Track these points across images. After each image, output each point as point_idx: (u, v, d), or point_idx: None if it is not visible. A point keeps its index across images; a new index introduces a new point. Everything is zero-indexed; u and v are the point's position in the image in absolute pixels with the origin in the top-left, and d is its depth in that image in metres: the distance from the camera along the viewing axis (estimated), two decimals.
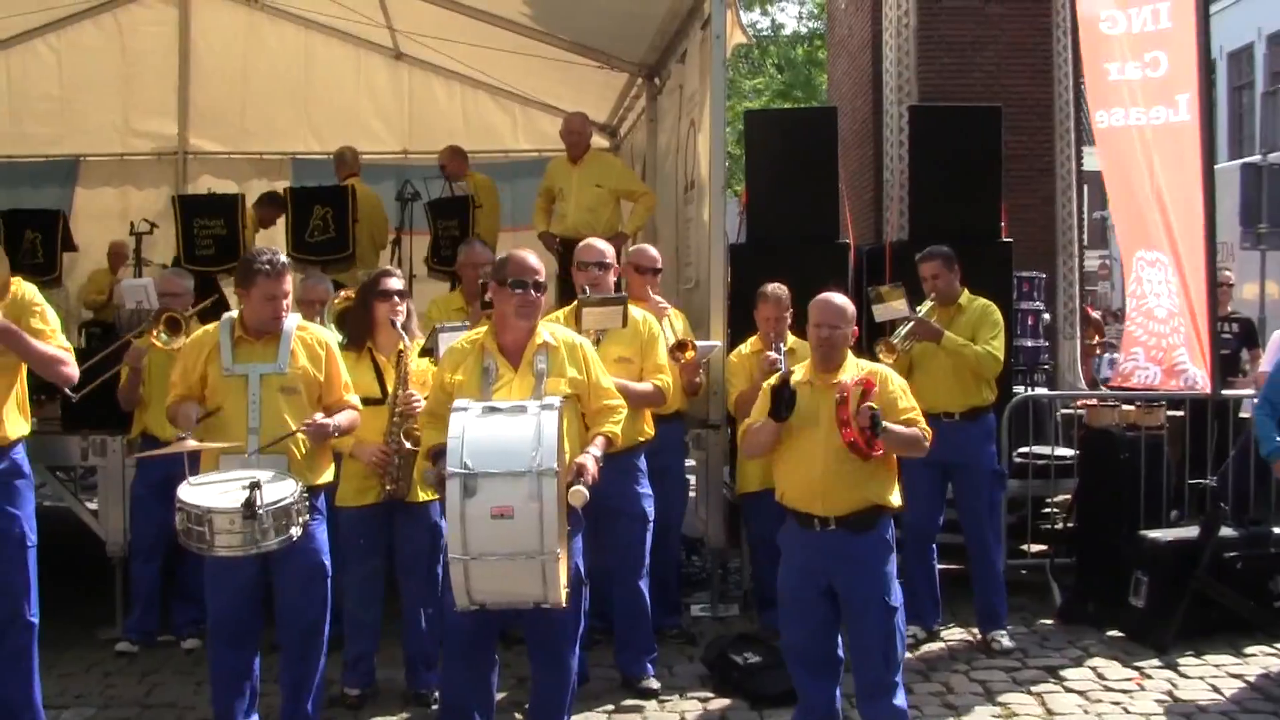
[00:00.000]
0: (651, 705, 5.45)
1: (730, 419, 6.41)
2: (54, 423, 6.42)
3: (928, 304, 6.30)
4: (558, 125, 8.73)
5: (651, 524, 5.55)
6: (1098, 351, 11.68)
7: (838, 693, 4.70)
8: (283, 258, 4.73)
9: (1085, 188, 12.53)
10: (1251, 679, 5.79)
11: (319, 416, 4.66)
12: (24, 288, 4.55)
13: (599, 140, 10.03)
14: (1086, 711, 5.40)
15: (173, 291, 6.34)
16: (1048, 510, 7.94)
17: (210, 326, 4.78)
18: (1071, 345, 10.19)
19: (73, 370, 4.69)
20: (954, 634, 6.44)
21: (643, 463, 5.55)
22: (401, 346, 5.20)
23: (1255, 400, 6.37)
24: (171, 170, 10.90)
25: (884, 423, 4.38)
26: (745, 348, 6.34)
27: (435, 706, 5.13)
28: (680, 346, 5.82)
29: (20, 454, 4.62)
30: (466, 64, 10.26)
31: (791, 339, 6.11)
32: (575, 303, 5.51)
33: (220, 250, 8.45)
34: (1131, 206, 7.48)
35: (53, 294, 7.31)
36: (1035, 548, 7.52)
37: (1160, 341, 7.25)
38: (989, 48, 11.67)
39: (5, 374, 4.55)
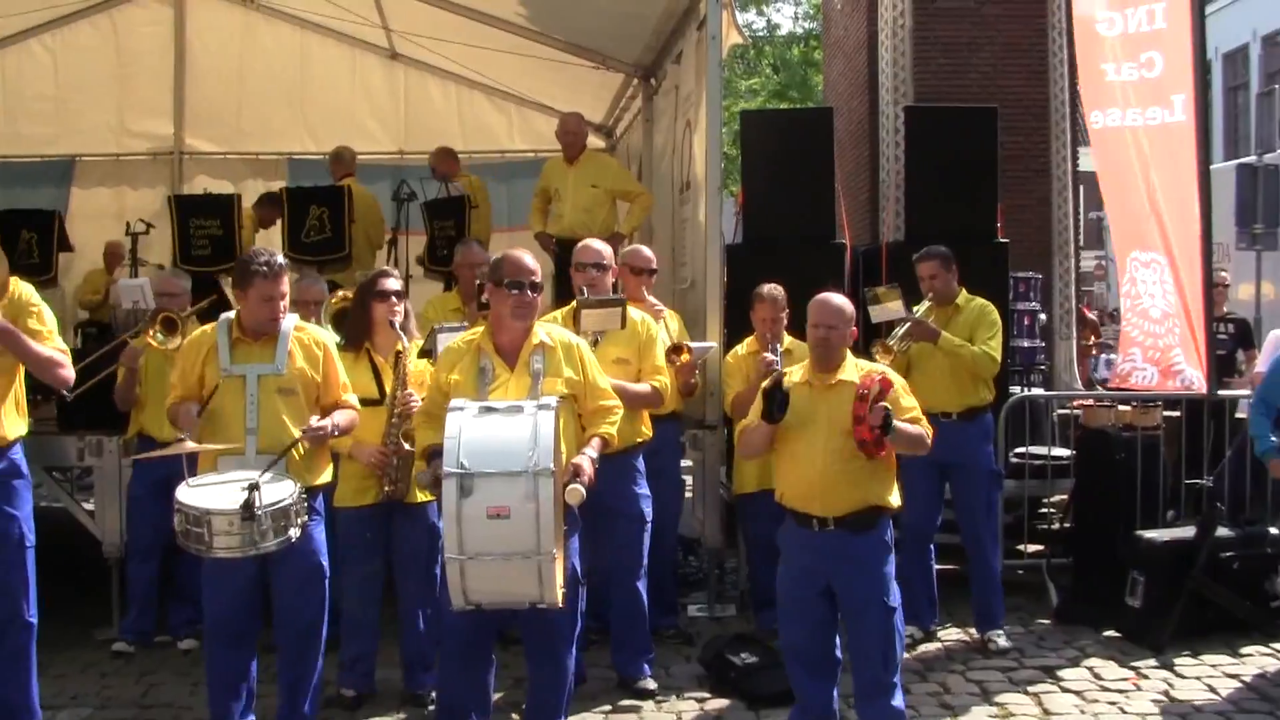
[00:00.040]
0: (648, 705, 5.45)
1: (727, 419, 6.40)
2: (50, 423, 6.41)
3: (925, 304, 6.28)
4: (553, 125, 8.71)
5: (649, 525, 5.55)
6: (1094, 352, 11.71)
7: (835, 693, 4.70)
8: (280, 259, 4.73)
9: (1081, 188, 12.52)
10: (1248, 679, 5.80)
11: (315, 419, 4.65)
12: (22, 288, 4.54)
13: (595, 140, 10.00)
14: (1083, 711, 5.40)
15: (170, 292, 6.32)
16: (1044, 510, 7.94)
17: (208, 327, 4.77)
18: (1068, 345, 10.18)
19: (69, 372, 4.68)
20: (951, 634, 6.44)
21: (641, 463, 5.54)
22: (400, 347, 5.19)
23: (1251, 400, 6.38)
24: (167, 170, 10.88)
25: (895, 422, 4.39)
26: (741, 348, 6.33)
27: (432, 707, 5.13)
28: (675, 350, 5.81)
29: (18, 454, 4.62)
30: (462, 64, 10.24)
31: (788, 339, 6.10)
32: (573, 303, 5.51)
33: (216, 250, 8.42)
34: (1127, 207, 7.49)
35: (48, 294, 7.21)
36: (1032, 548, 7.52)
37: (1156, 342, 7.26)
38: (984, 49, 11.72)
39: (3, 374, 4.55)
